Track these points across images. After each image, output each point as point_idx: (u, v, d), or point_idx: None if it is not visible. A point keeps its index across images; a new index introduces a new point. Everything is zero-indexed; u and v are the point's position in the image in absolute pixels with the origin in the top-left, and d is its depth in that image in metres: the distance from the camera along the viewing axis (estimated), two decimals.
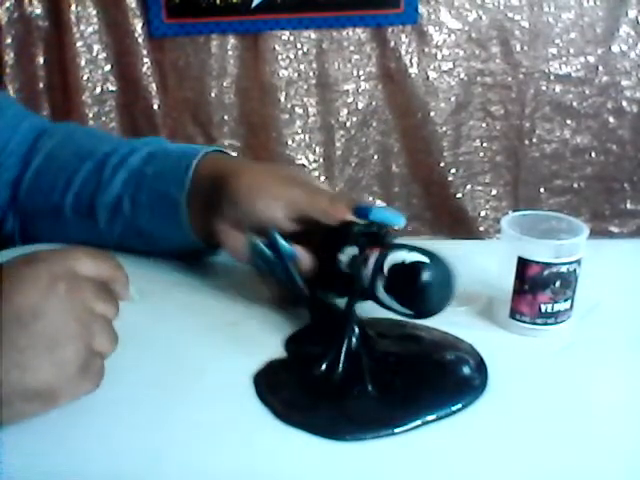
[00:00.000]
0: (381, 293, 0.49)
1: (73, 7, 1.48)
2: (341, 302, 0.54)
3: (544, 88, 1.59)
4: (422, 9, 1.52)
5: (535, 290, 0.54)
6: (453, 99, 1.59)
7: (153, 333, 0.55)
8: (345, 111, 1.60)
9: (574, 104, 1.60)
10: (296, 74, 1.56)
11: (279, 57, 1.54)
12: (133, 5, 1.49)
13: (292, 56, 1.54)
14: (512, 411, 0.47)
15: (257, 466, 0.42)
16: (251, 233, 0.56)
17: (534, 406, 0.48)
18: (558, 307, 0.54)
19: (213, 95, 1.56)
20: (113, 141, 0.69)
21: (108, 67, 1.54)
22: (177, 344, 0.55)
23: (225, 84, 1.56)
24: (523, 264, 0.54)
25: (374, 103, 1.60)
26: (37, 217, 0.69)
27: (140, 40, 1.51)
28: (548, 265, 0.53)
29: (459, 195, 1.65)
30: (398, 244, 0.50)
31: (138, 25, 1.50)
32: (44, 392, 0.42)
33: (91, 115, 1.55)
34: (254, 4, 1.49)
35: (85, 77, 1.52)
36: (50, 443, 0.44)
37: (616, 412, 0.48)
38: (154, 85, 1.54)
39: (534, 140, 1.63)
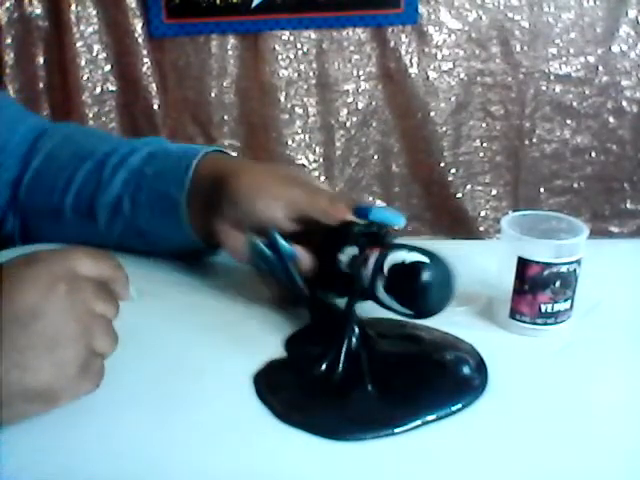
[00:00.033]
0: (381, 293, 0.49)
1: (73, 7, 1.48)
2: (341, 302, 0.54)
3: (544, 88, 1.59)
4: (422, 9, 1.52)
5: (535, 290, 0.54)
6: (453, 99, 1.59)
7: (153, 333, 0.55)
8: (345, 111, 1.60)
9: (574, 104, 1.60)
10: (296, 74, 1.56)
11: (279, 57, 1.54)
12: (133, 5, 1.49)
13: (292, 56, 1.54)
14: (512, 411, 0.47)
15: (257, 466, 0.42)
16: (251, 233, 0.56)
17: (534, 406, 0.48)
18: (558, 307, 0.54)
19: (213, 95, 1.57)
20: (113, 141, 0.69)
21: (108, 67, 1.54)
22: (177, 344, 0.55)
23: (225, 84, 1.56)
24: (523, 264, 0.54)
25: (374, 103, 1.60)
26: (37, 217, 0.69)
27: (140, 40, 1.51)
28: (548, 265, 0.53)
29: (459, 195, 1.65)
30: (398, 244, 0.50)
31: (138, 25, 1.50)
32: (44, 392, 0.42)
33: (91, 115, 1.55)
34: (254, 4, 1.49)
35: (85, 77, 1.52)
36: (50, 443, 0.44)
37: (616, 412, 0.48)
38: (154, 85, 1.54)
39: (534, 140, 1.63)
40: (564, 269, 0.53)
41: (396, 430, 0.45)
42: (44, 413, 0.43)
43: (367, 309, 0.53)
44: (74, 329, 0.43)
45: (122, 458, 0.43)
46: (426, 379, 0.49)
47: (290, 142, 1.59)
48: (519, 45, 1.56)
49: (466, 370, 0.50)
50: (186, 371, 0.51)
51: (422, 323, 0.53)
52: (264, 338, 0.55)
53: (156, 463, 0.42)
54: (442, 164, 1.63)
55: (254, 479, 0.42)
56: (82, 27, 1.50)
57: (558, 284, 0.53)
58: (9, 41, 1.49)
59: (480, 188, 1.67)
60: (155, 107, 1.55)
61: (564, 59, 1.57)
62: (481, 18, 1.54)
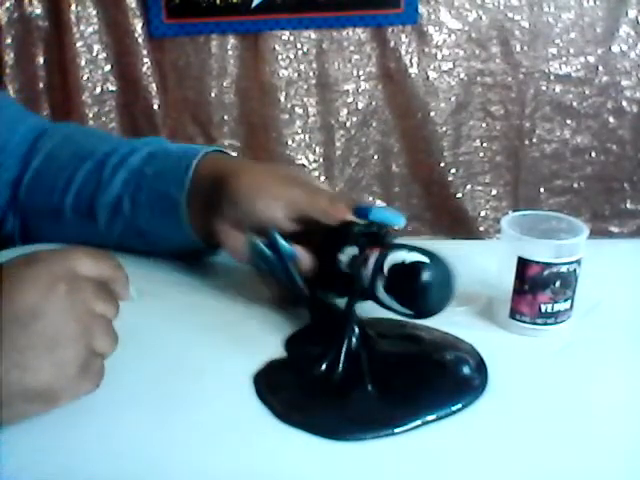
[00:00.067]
0: (381, 293, 0.49)
1: (73, 7, 1.48)
2: (341, 302, 0.54)
3: (544, 88, 1.59)
4: (422, 9, 1.52)
5: (535, 290, 0.54)
6: (453, 99, 1.59)
7: (153, 333, 0.55)
8: (345, 111, 1.60)
9: (574, 104, 1.60)
10: (296, 74, 1.56)
11: (279, 57, 1.54)
12: (133, 5, 1.49)
13: (292, 56, 1.54)
14: (512, 411, 0.47)
15: (257, 466, 0.42)
16: (251, 233, 0.56)
17: (534, 406, 0.48)
18: (558, 307, 0.54)
19: (213, 95, 1.57)
20: (113, 141, 0.69)
21: (108, 67, 1.54)
22: (177, 344, 0.55)
23: (225, 84, 1.56)
24: (523, 264, 0.54)
25: (374, 103, 1.60)
26: (37, 217, 0.69)
27: (140, 40, 1.51)
28: (548, 265, 0.53)
29: (459, 195, 1.65)
30: (398, 244, 0.50)
31: (138, 25, 1.50)
32: (44, 392, 0.42)
33: (91, 115, 1.55)
34: (254, 4, 1.49)
35: (85, 77, 1.52)
36: (50, 443, 0.44)
37: (616, 412, 0.48)
38: (154, 85, 1.54)
39: (534, 140, 1.63)
40: (564, 269, 0.53)
41: (396, 430, 0.45)
42: (44, 413, 0.43)
43: (367, 309, 0.53)
44: (74, 329, 0.43)
45: (122, 458, 0.43)
46: (426, 379, 0.49)
47: (290, 142, 1.59)
48: (519, 45, 1.56)
49: (466, 370, 0.50)
50: (186, 371, 0.51)
51: (422, 323, 0.53)
52: (264, 338, 0.55)
53: (156, 463, 0.42)
54: (442, 164, 1.62)
55: (254, 479, 0.42)
56: (82, 27, 1.50)
57: (558, 284, 0.53)
58: (9, 41, 1.49)
59: (480, 188, 1.67)
60: (155, 107, 1.55)
61: (564, 59, 1.57)
62: (481, 18, 1.54)
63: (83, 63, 1.51)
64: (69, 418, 0.44)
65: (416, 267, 0.48)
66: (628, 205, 1.68)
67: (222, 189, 0.56)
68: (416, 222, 1.68)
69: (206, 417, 0.46)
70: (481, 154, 1.65)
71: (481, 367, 0.51)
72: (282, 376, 0.50)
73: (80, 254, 0.45)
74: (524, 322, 0.55)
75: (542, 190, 1.67)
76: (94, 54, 1.52)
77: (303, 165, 1.60)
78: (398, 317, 0.50)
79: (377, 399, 0.47)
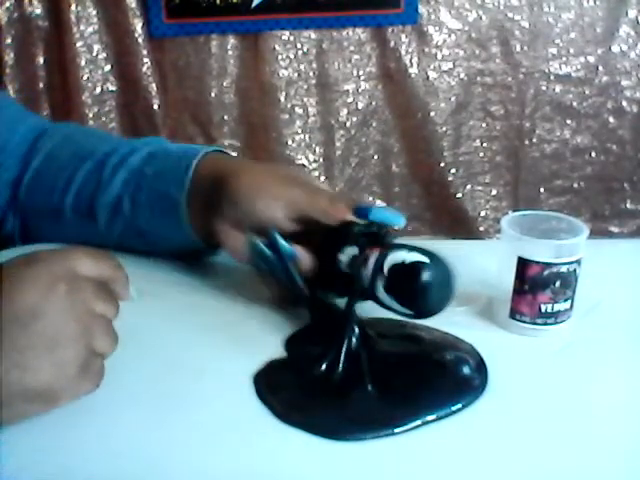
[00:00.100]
0: (381, 293, 0.49)
1: (73, 7, 1.48)
2: (341, 302, 0.54)
3: (544, 88, 1.59)
4: (422, 9, 1.52)
5: (535, 290, 0.54)
6: (453, 99, 1.59)
7: (153, 333, 0.55)
8: (345, 111, 1.60)
9: (574, 104, 1.60)
10: (296, 74, 1.56)
11: (279, 57, 1.54)
12: (133, 5, 1.49)
13: (292, 56, 1.54)
14: (512, 411, 0.47)
15: (257, 466, 0.42)
16: (251, 233, 0.56)
17: (534, 406, 0.48)
18: (558, 307, 0.54)
19: (213, 95, 1.56)
20: (113, 141, 0.69)
21: (108, 67, 1.54)
22: (177, 344, 0.55)
23: (225, 84, 1.56)
24: (523, 264, 0.54)
25: (374, 103, 1.60)
26: (37, 217, 0.69)
27: (140, 40, 1.51)
28: (548, 265, 0.53)
29: (459, 195, 1.65)
30: (398, 244, 0.50)
31: (138, 25, 1.50)
32: (44, 392, 0.42)
33: (91, 115, 1.55)
34: (254, 4, 1.49)
35: (85, 77, 1.52)
36: (50, 443, 0.44)
37: (616, 412, 0.48)
38: (154, 85, 1.54)
39: (534, 140, 1.63)
40: (564, 269, 0.53)
41: (396, 430, 0.45)
42: (44, 413, 0.43)
43: (367, 309, 0.53)
44: (74, 329, 0.43)
45: (122, 458, 0.43)
46: (426, 379, 0.49)
47: (290, 142, 1.59)
48: (519, 45, 1.56)
49: (466, 370, 0.50)
50: (186, 371, 0.51)
51: (422, 323, 0.53)
52: (264, 338, 0.55)
53: (156, 463, 0.42)
54: (442, 164, 1.62)
55: (254, 479, 0.42)
56: (82, 27, 1.50)
57: (558, 284, 0.53)
58: (9, 41, 1.49)
59: (480, 188, 1.67)
60: (155, 107, 1.55)
61: (564, 59, 1.57)
62: (481, 18, 1.54)
63: (83, 63, 1.51)
64: (69, 418, 0.44)
65: (416, 267, 0.48)
66: (628, 205, 1.68)
67: (222, 189, 0.56)
68: (416, 222, 1.68)
69: (206, 417, 0.46)
70: (481, 154, 1.65)
71: (481, 367, 0.51)
72: (282, 376, 0.50)
73: (80, 254, 0.45)
74: (524, 322, 0.55)
75: (542, 190, 1.67)
76: (94, 54, 1.52)
77: (303, 165, 1.60)
78: (398, 317, 0.50)
79: (377, 399, 0.47)
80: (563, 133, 1.63)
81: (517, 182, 1.67)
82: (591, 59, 1.57)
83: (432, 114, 1.59)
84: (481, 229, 1.67)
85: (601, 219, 1.68)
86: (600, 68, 1.57)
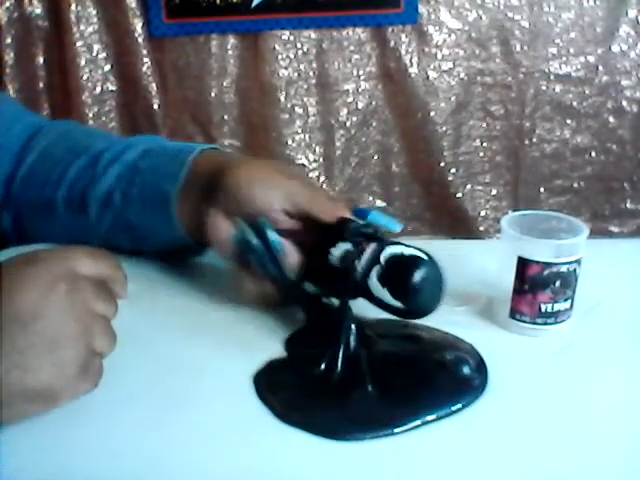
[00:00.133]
0: (374, 284, 0.50)
1: (73, 7, 1.48)
2: (337, 302, 0.54)
3: (544, 88, 1.59)
4: (422, 9, 1.51)
5: (535, 290, 0.54)
6: (453, 99, 1.59)
7: (152, 333, 0.55)
8: (345, 111, 1.60)
9: (574, 104, 1.60)
10: (296, 74, 1.55)
11: (279, 57, 1.53)
12: (133, 5, 1.49)
13: (292, 56, 1.54)
14: (512, 411, 0.47)
15: (257, 466, 0.42)
16: (241, 220, 0.56)
17: (534, 406, 0.48)
18: (558, 307, 0.54)
19: (213, 95, 1.56)
20: (109, 138, 0.69)
21: (108, 67, 1.54)
22: (177, 344, 0.55)
23: (225, 84, 1.56)
24: (523, 264, 0.54)
25: (374, 103, 1.60)
26: (30, 211, 0.69)
27: (140, 40, 1.51)
28: (548, 265, 0.53)
29: (459, 195, 1.65)
30: (396, 241, 0.51)
31: (138, 25, 1.50)
32: (44, 392, 0.42)
33: (91, 115, 1.54)
34: (254, 4, 1.49)
35: (85, 77, 1.52)
36: (50, 443, 0.44)
37: (616, 412, 0.48)
38: (154, 85, 1.54)
39: (534, 140, 1.63)
40: (564, 269, 0.53)
41: (396, 430, 0.45)
42: (44, 413, 0.43)
43: (366, 309, 0.53)
44: (74, 329, 0.43)
45: (121, 458, 0.43)
46: (426, 379, 0.49)
47: (290, 142, 1.59)
48: (519, 45, 1.56)
49: (466, 370, 0.50)
50: (186, 371, 0.51)
51: (422, 323, 0.53)
52: (264, 338, 0.55)
53: (155, 463, 0.42)
54: (442, 164, 1.62)
55: (254, 479, 0.42)
56: (82, 27, 1.50)
57: (558, 284, 0.53)
58: (9, 41, 1.49)
59: (480, 188, 1.67)
60: (155, 107, 1.55)
61: (564, 59, 1.57)
62: (481, 18, 1.54)
63: (83, 63, 1.51)
64: (68, 418, 0.44)
65: (416, 260, 0.49)
66: (628, 205, 1.68)
67: (220, 179, 0.56)
68: (416, 222, 1.68)
69: (206, 417, 0.46)
70: (481, 154, 1.65)
71: (481, 367, 0.51)
72: (282, 376, 0.50)
73: (80, 254, 0.45)
74: (524, 322, 0.55)
75: (542, 190, 1.67)
76: (94, 54, 1.52)
77: (303, 165, 1.60)
78: (398, 318, 0.51)
79: (377, 399, 0.47)
80: (563, 133, 1.63)
81: (517, 182, 1.67)
82: (591, 59, 1.57)
83: (432, 114, 1.58)
84: (481, 229, 1.67)
85: (601, 219, 1.68)
86: (600, 68, 1.57)
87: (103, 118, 1.56)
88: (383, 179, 1.67)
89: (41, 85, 1.54)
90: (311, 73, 1.56)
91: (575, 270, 0.54)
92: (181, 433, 0.45)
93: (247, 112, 1.59)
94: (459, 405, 0.47)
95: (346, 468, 0.42)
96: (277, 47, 1.53)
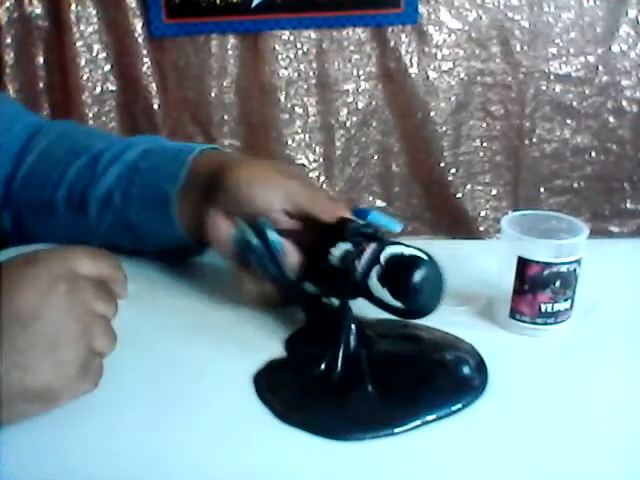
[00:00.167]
0: (374, 284, 0.50)
1: (73, 7, 1.48)
2: (336, 302, 0.54)
3: (544, 88, 1.59)
4: (422, 9, 1.51)
5: (535, 290, 0.54)
6: (453, 99, 1.59)
7: (152, 333, 0.55)
8: (345, 111, 1.60)
9: (574, 104, 1.60)
10: (296, 74, 1.55)
11: (279, 57, 1.53)
12: (133, 5, 1.49)
13: (292, 56, 1.54)
14: (512, 411, 0.47)
15: (257, 466, 0.42)
16: (241, 220, 0.56)
17: (534, 406, 0.48)
18: (558, 307, 0.54)
19: (213, 95, 1.56)
20: (109, 138, 0.69)
21: (108, 67, 1.54)
22: (177, 344, 0.55)
23: (225, 84, 1.56)
24: (523, 264, 0.54)
25: (374, 103, 1.60)
26: (30, 211, 0.69)
27: (140, 40, 1.51)
28: (548, 265, 0.53)
29: (459, 195, 1.65)
30: (396, 241, 0.51)
31: (138, 25, 1.50)
32: (44, 392, 0.42)
33: (91, 115, 1.54)
34: (254, 4, 1.49)
35: (85, 77, 1.52)
36: (50, 443, 0.44)
37: (616, 412, 0.48)
38: (154, 85, 1.54)
39: (534, 140, 1.63)
40: (564, 269, 0.53)
41: (396, 430, 0.45)
42: (44, 413, 0.43)
43: (366, 309, 0.53)
44: (74, 329, 0.43)
45: (121, 458, 0.43)
46: (426, 379, 0.49)
47: (290, 142, 1.59)
48: (519, 45, 1.56)
49: (466, 370, 0.50)
50: (186, 371, 0.51)
51: (422, 323, 0.53)
52: (264, 338, 0.55)
53: (155, 463, 0.42)
54: (442, 164, 1.62)
55: (254, 479, 0.42)
56: (82, 27, 1.50)
57: (558, 284, 0.53)
58: (9, 41, 1.49)
59: (480, 188, 1.66)
60: (155, 107, 1.55)
61: (564, 59, 1.57)
62: (481, 18, 1.54)
63: (83, 63, 1.51)
64: (68, 418, 0.44)
65: (416, 260, 0.49)
66: (628, 205, 1.68)
67: (220, 179, 0.56)
68: (416, 222, 1.68)
69: (206, 417, 0.46)
70: (481, 154, 1.65)
71: (481, 367, 0.51)
72: (282, 376, 0.50)
73: (80, 254, 0.45)
74: (524, 322, 0.55)
75: (542, 190, 1.67)
76: (94, 54, 1.52)
77: (303, 165, 1.60)
78: (397, 318, 0.51)
79: (377, 399, 0.47)
80: (563, 133, 1.63)
81: (517, 182, 1.67)
82: (591, 59, 1.57)
83: (432, 114, 1.58)
84: (481, 229, 1.67)
85: (601, 219, 1.68)
86: (600, 68, 1.57)
87: (103, 118, 1.56)
88: (383, 179, 1.67)
89: (41, 85, 1.54)
90: (311, 73, 1.56)
91: (575, 270, 0.54)
92: (181, 433, 0.45)
93: (247, 112, 1.59)
94: (459, 405, 0.47)
95: (346, 468, 0.42)
96: (277, 47, 1.53)
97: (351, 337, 0.51)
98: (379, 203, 1.67)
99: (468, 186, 1.65)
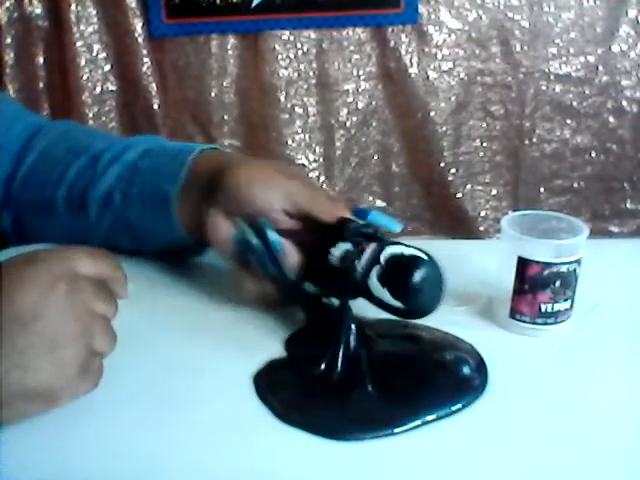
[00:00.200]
0: (374, 284, 0.50)
1: (73, 7, 1.48)
2: (336, 302, 0.54)
3: (544, 88, 1.59)
4: (422, 9, 1.51)
5: (535, 290, 0.54)
6: (453, 99, 1.59)
7: (152, 333, 0.55)
8: (345, 111, 1.60)
9: (574, 104, 1.60)
10: (296, 74, 1.55)
11: (279, 57, 1.53)
12: (133, 5, 1.49)
13: (292, 56, 1.54)
14: (512, 411, 0.47)
15: (257, 466, 0.42)
16: (241, 220, 0.56)
17: (534, 406, 0.48)
18: (558, 307, 0.54)
19: (213, 95, 1.56)
20: (109, 138, 0.69)
21: (108, 67, 1.54)
22: (177, 344, 0.55)
23: (225, 84, 1.56)
24: (523, 264, 0.54)
25: (374, 103, 1.60)
26: (30, 211, 0.69)
27: (140, 40, 1.51)
28: (548, 265, 0.53)
29: (459, 195, 1.65)
30: (396, 241, 0.51)
31: (138, 25, 1.50)
32: (44, 392, 0.42)
33: (91, 115, 1.54)
34: (254, 4, 1.49)
35: (85, 77, 1.52)
36: (50, 443, 0.44)
37: (616, 412, 0.48)
38: (154, 85, 1.54)
39: (534, 140, 1.63)
40: (564, 269, 0.53)
41: (396, 430, 0.45)
42: (44, 413, 0.43)
43: (366, 309, 0.53)
44: (74, 329, 0.43)
45: (121, 458, 0.43)
46: (426, 379, 0.49)
47: (290, 142, 1.59)
48: (519, 45, 1.56)
49: (466, 370, 0.50)
50: (186, 371, 0.51)
51: (422, 323, 0.53)
52: (264, 338, 0.55)
53: (155, 463, 0.42)
54: (442, 164, 1.62)
55: (254, 479, 0.42)
56: (82, 27, 1.50)
57: (558, 284, 0.53)
58: (9, 41, 1.49)
59: (480, 188, 1.67)
60: (155, 107, 1.55)
61: (564, 59, 1.57)
62: (481, 18, 1.54)
63: (83, 63, 1.51)
64: (68, 418, 0.44)
65: (416, 260, 0.49)
66: (628, 205, 1.68)
67: (220, 179, 0.56)
68: (416, 222, 1.68)
69: (206, 417, 0.46)
70: (481, 154, 1.65)
71: (481, 367, 0.51)
72: (282, 376, 0.50)
73: (80, 254, 0.45)
74: (524, 322, 0.55)
75: (542, 190, 1.67)
76: (94, 54, 1.52)
77: (303, 165, 1.60)
78: (397, 318, 0.51)
79: (377, 399, 0.47)
80: (563, 133, 1.63)
81: (517, 182, 1.67)
82: (591, 59, 1.57)
83: (432, 114, 1.58)
84: (481, 229, 1.67)
85: (601, 219, 1.68)
86: (600, 68, 1.57)
87: (103, 118, 1.56)
88: (383, 179, 1.67)
89: (41, 85, 1.54)
90: (311, 73, 1.56)
91: (575, 270, 0.54)
92: (181, 433, 0.45)
93: (247, 112, 1.59)
94: (459, 405, 0.47)
95: (346, 468, 0.42)
96: (277, 47, 1.53)
97: (351, 337, 0.51)
98: (379, 203, 1.67)
99: (468, 186, 1.65)
